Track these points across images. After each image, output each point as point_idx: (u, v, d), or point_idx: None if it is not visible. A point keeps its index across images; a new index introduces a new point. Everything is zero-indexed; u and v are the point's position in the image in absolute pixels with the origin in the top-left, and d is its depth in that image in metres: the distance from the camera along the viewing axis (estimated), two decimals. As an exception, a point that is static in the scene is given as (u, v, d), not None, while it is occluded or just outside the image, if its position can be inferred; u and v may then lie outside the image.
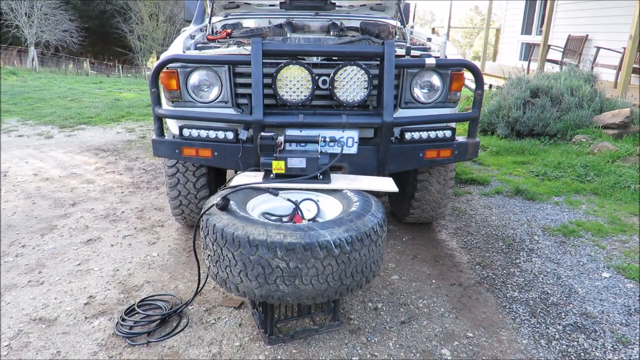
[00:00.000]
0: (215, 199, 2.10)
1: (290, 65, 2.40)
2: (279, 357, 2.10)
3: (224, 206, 2.04)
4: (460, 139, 2.73)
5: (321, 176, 2.34)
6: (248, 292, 1.89)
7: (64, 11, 24.79)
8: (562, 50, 9.33)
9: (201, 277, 2.65)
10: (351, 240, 1.87)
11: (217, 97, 2.56)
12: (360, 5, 4.00)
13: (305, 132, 2.48)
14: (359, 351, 2.15)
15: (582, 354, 2.17)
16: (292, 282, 1.83)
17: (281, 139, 2.33)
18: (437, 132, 2.64)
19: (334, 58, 2.56)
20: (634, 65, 6.95)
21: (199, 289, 2.45)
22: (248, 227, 1.86)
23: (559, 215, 3.82)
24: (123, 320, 2.30)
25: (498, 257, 3.12)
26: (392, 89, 2.43)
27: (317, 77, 2.47)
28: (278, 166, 2.29)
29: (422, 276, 2.86)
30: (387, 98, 2.41)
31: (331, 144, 2.48)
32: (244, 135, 2.49)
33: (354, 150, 2.55)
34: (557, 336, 2.30)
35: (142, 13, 27.68)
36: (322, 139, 2.42)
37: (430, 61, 2.46)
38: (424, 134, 2.62)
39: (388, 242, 3.31)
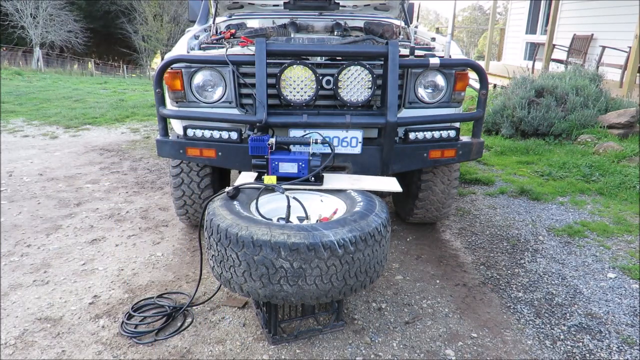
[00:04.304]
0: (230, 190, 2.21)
1: (294, 65, 2.40)
2: (282, 357, 2.10)
3: (234, 195, 2.16)
4: (465, 138, 2.72)
5: (313, 178, 2.33)
6: (252, 292, 1.89)
7: (69, 12, 24.92)
8: (567, 49, 9.28)
9: (205, 277, 2.66)
10: (355, 241, 1.86)
11: (221, 97, 2.57)
12: (364, 5, 3.99)
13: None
14: (363, 351, 2.15)
15: (588, 355, 2.16)
16: (296, 282, 1.83)
17: (272, 140, 2.32)
18: (441, 132, 2.63)
19: (338, 58, 2.56)
20: (640, 65, 6.91)
21: (196, 287, 2.45)
22: (252, 227, 1.86)
23: (564, 216, 3.81)
24: (128, 319, 2.31)
25: (502, 258, 3.11)
26: (396, 88, 2.42)
27: (321, 77, 2.47)
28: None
29: (426, 276, 2.86)
30: (391, 98, 2.41)
31: (324, 144, 2.44)
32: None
33: (357, 150, 2.55)
34: (562, 337, 2.29)
35: (147, 13, 27.77)
36: (314, 141, 2.39)
37: (434, 61, 2.45)
38: (428, 134, 2.61)
39: (392, 242, 3.30)
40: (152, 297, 2.51)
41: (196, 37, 3.05)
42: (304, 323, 2.31)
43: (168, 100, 2.64)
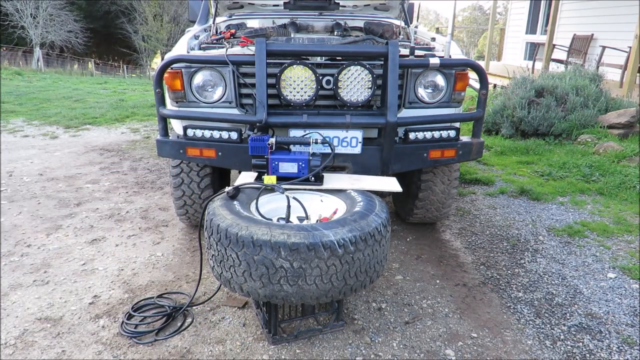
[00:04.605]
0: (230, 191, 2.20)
1: (294, 66, 2.40)
2: (282, 357, 2.10)
3: (234, 195, 2.15)
4: (465, 138, 2.72)
5: (313, 178, 2.33)
6: (252, 292, 1.89)
7: (69, 12, 24.92)
8: (567, 49, 9.28)
9: (205, 277, 2.66)
10: (355, 241, 1.86)
11: (221, 97, 2.57)
12: (364, 5, 3.99)
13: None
14: (363, 351, 2.15)
15: (588, 355, 2.16)
16: (296, 282, 1.83)
17: (272, 140, 2.32)
18: (441, 132, 2.63)
19: (338, 58, 2.56)
20: (640, 65, 6.90)
21: (196, 287, 2.45)
22: (252, 227, 1.86)
23: (564, 216, 3.81)
24: (128, 319, 2.31)
25: (502, 258, 3.11)
26: (396, 88, 2.42)
27: (321, 77, 2.47)
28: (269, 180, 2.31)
29: (426, 276, 2.86)
30: (391, 98, 2.41)
31: (324, 144, 2.44)
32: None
33: (357, 150, 2.55)
34: (562, 337, 2.29)
35: (147, 14, 27.78)
36: (314, 141, 2.39)
37: (434, 61, 2.45)
38: (428, 134, 2.61)
39: (392, 242, 3.30)
40: (152, 297, 2.51)
41: (196, 37, 3.05)
42: (304, 323, 2.31)
43: (168, 100, 2.64)
